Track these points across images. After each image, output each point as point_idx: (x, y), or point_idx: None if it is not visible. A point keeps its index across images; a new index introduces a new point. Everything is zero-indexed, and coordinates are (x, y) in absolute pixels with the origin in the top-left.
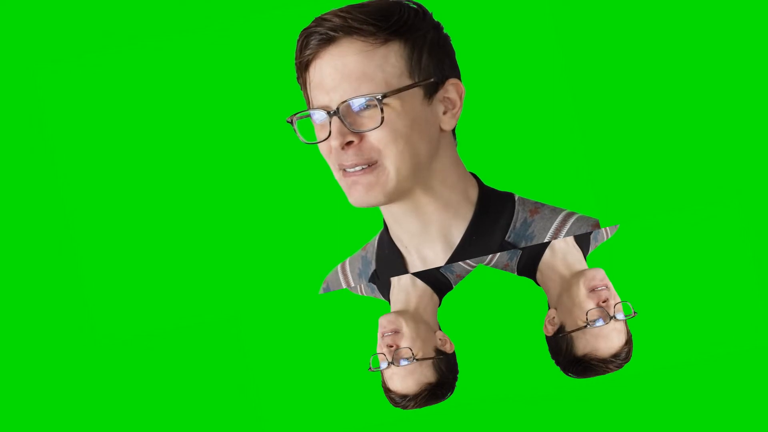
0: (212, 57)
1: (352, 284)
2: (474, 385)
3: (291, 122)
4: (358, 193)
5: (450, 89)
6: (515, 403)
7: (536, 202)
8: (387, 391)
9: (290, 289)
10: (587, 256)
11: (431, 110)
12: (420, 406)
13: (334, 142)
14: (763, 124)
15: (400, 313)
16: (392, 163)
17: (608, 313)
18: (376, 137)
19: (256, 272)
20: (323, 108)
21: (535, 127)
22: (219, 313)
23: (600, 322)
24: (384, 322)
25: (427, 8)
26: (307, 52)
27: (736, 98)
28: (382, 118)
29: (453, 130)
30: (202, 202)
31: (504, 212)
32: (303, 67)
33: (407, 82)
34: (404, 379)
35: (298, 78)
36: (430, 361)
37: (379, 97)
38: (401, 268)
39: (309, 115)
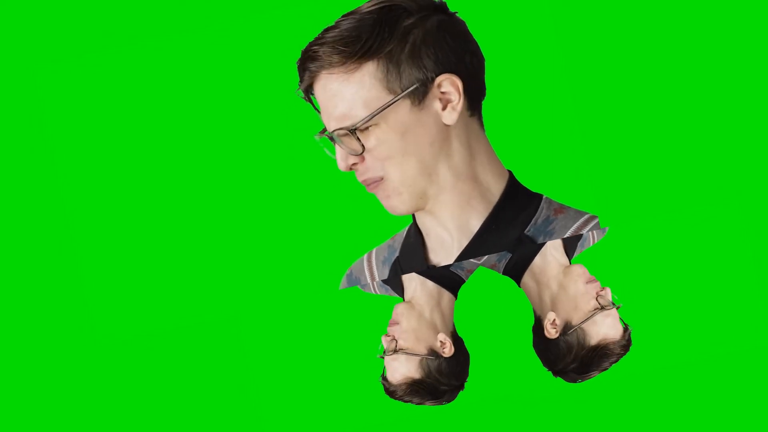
0: (226, 54)
1: (375, 273)
2: (472, 385)
3: (317, 139)
4: (385, 204)
5: (444, 84)
6: (513, 403)
7: (563, 204)
8: (382, 378)
9: (303, 287)
10: (572, 260)
11: (426, 112)
12: (408, 398)
13: (339, 164)
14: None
15: (409, 305)
16: (396, 176)
17: (609, 300)
18: (374, 155)
19: (270, 270)
20: (329, 133)
21: (540, 129)
22: (229, 311)
23: (606, 308)
24: (394, 312)
25: None
26: (301, 84)
27: (738, 100)
28: (363, 147)
29: (479, 118)
30: (214, 201)
31: (528, 208)
32: (305, 94)
33: (388, 98)
34: (394, 368)
35: None
36: (418, 358)
37: (351, 130)
38: (421, 255)
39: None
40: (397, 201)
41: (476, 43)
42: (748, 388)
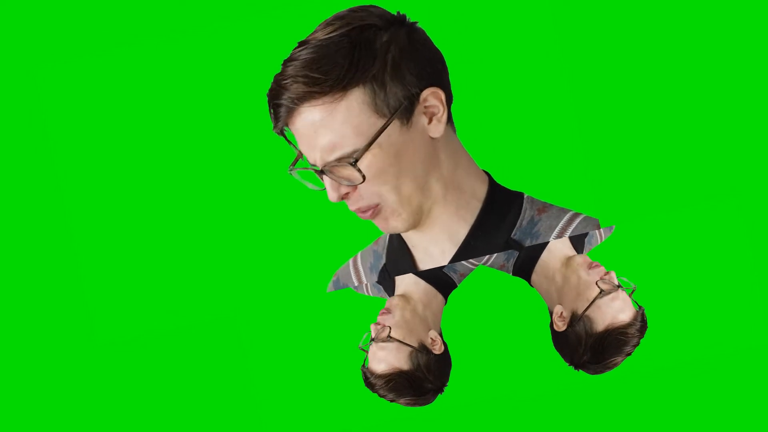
0: (222, 58)
1: (363, 278)
2: (471, 385)
3: (291, 173)
4: (384, 226)
5: (429, 99)
6: (511, 404)
7: (544, 202)
8: (363, 368)
9: (295, 289)
10: None
11: (414, 129)
12: (385, 392)
13: (331, 196)
14: (764, 124)
15: (405, 299)
16: (393, 198)
17: (614, 283)
18: (368, 183)
19: (261, 272)
20: (312, 166)
21: (537, 127)
22: (223, 311)
23: (610, 291)
24: (388, 302)
25: (388, 9)
26: (279, 122)
27: (739, 99)
28: (363, 177)
29: (451, 121)
30: (204, 204)
31: (511, 210)
32: (281, 131)
33: (379, 122)
34: (379, 358)
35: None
36: (409, 350)
37: (352, 161)
38: (409, 261)
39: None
40: (397, 222)
41: (439, 50)
42: (750, 384)
